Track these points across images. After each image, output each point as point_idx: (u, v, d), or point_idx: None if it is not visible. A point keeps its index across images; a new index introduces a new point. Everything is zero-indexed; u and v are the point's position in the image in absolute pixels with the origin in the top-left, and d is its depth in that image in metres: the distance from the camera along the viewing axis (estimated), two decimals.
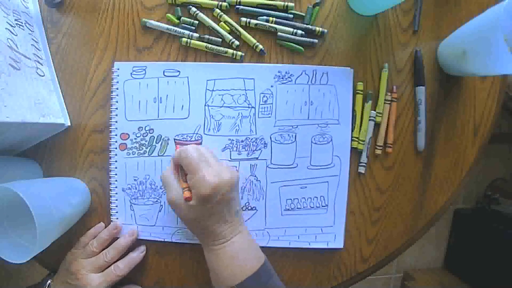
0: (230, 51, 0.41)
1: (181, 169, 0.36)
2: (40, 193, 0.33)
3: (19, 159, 0.41)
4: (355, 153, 0.42)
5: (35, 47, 0.40)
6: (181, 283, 0.43)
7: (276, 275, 0.36)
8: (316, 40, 0.41)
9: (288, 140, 0.41)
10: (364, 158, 0.42)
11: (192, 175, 0.34)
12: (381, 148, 0.42)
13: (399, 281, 1.36)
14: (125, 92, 0.41)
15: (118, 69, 0.41)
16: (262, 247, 0.42)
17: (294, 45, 0.41)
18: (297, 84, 0.41)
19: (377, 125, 0.42)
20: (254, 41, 0.41)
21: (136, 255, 0.41)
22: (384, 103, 0.41)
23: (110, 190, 0.42)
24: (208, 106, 0.41)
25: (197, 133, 0.41)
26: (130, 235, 0.41)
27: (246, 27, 0.41)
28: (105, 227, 0.42)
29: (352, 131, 0.41)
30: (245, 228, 0.37)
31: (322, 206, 0.42)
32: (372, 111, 0.41)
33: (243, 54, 0.41)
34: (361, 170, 0.42)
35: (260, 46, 0.41)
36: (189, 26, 0.41)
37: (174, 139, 0.41)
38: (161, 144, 0.41)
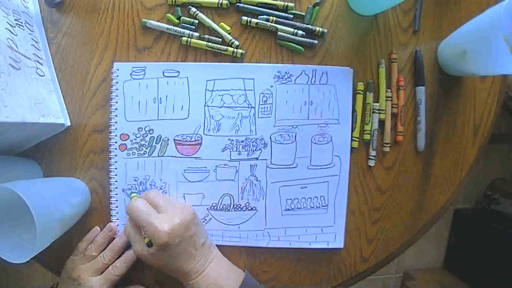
0: (231, 48, 0.41)
1: None
2: (40, 193, 0.33)
3: (19, 159, 0.41)
4: (362, 147, 0.42)
5: (35, 47, 0.40)
6: (181, 283, 0.43)
7: (261, 286, 0.38)
8: (316, 41, 0.41)
9: (288, 140, 0.41)
10: (372, 151, 0.42)
11: (145, 228, 0.34)
12: (388, 145, 0.42)
13: (399, 281, 1.36)
14: (124, 92, 0.41)
15: (118, 69, 0.41)
16: (262, 248, 0.42)
17: (294, 45, 0.41)
18: (296, 84, 0.41)
19: (382, 123, 0.42)
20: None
21: (132, 253, 0.41)
22: (386, 100, 0.41)
23: (110, 190, 0.42)
24: (208, 106, 0.41)
25: (197, 133, 0.41)
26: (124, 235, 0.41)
27: (247, 26, 0.41)
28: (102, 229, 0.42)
29: (353, 131, 0.41)
30: (215, 254, 0.38)
31: (322, 206, 0.42)
32: (375, 103, 0.41)
33: (244, 52, 0.41)
34: (371, 163, 0.42)
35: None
36: (189, 26, 0.41)
37: (174, 139, 0.41)
38: (161, 145, 0.41)
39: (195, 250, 0.36)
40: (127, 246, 0.41)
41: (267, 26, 0.41)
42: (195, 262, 0.36)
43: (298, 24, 0.41)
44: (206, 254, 0.37)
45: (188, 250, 0.35)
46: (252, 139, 0.41)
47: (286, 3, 0.41)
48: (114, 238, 0.41)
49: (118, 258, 0.40)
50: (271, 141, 0.41)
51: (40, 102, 0.37)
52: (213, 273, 0.36)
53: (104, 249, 0.40)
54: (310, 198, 0.42)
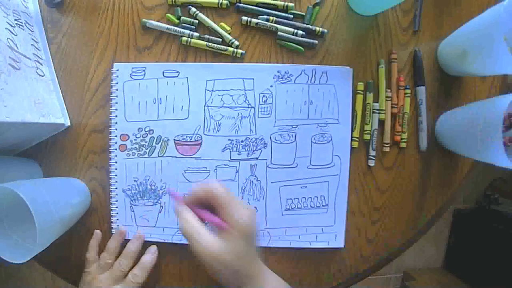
0: (231, 49, 0.41)
1: (201, 209, 0.32)
2: (40, 193, 0.33)
3: (19, 159, 0.41)
4: (362, 147, 0.42)
5: (35, 47, 0.40)
6: (181, 283, 0.43)
7: None
8: (316, 41, 0.41)
9: (288, 140, 0.41)
10: (371, 151, 0.42)
11: (230, 211, 0.29)
12: (388, 145, 0.42)
13: (399, 281, 1.36)
14: (124, 93, 0.41)
15: (118, 70, 0.41)
16: (262, 247, 0.42)
17: (294, 45, 0.41)
18: (296, 83, 0.41)
19: (381, 123, 0.42)
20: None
21: (149, 258, 0.40)
22: (386, 100, 0.41)
23: (110, 191, 0.42)
24: (208, 106, 0.41)
25: (197, 134, 0.41)
26: (137, 239, 0.41)
27: (247, 26, 0.41)
28: (108, 230, 0.42)
29: (353, 131, 0.41)
30: (262, 263, 0.33)
31: (323, 206, 0.42)
32: (375, 103, 0.41)
33: (244, 52, 0.41)
34: (371, 163, 0.42)
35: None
36: (189, 26, 0.41)
37: (174, 139, 0.41)
38: (161, 145, 0.41)
39: (256, 251, 0.32)
40: (141, 252, 0.41)
41: (267, 26, 0.41)
42: (257, 265, 0.31)
43: (298, 24, 0.41)
44: (259, 258, 0.32)
45: (254, 249, 0.31)
46: (252, 139, 0.41)
47: (286, 3, 0.41)
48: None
49: (134, 264, 0.40)
50: (271, 141, 0.41)
51: (40, 102, 0.37)
52: (271, 280, 0.32)
53: (118, 255, 0.40)
54: (310, 197, 0.42)
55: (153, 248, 0.42)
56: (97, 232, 0.42)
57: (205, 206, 0.31)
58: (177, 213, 0.31)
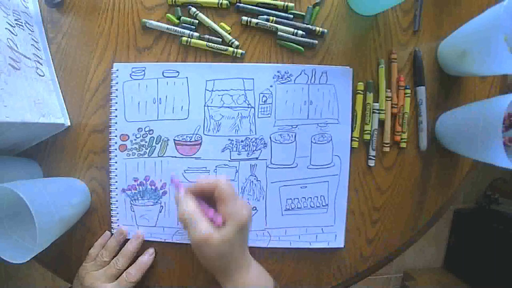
0: (231, 49, 0.41)
1: (200, 201, 0.34)
2: (40, 193, 0.33)
3: (19, 159, 0.41)
4: (362, 147, 0.42)
5: (35, 47, 0.40)
6: (181, 283, 0.43)
7: None
8: (316, 41, 0.41)
9: (288, 140, 0.41)
10: (371, 151, 0.42)
11: (229, 204, 0.32)
12: (388, 145, 0.42)
13: (399, 281, 1.36)
14: (124, 93, 0.41)
15: (117, 70, 0.41)
16: (262, 248, 0.42)
17: (294, 45, 0.41)
18: (296, 83, 0.41)
19: (381, 123, 0.42)
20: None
21: (146, 259, 0.41)
22: (386, 100, 0.41)
23: (110, 191, 0.42)
24: (208, 106, 0.41)
25: (196, 134, 0.41)
26: (136, 239, 0.41)
27: (247, 26, 0.41)
28: (108, 230, 0.42)
29: (353, 131, 0.41)
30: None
31: (323, 206, 0.42)
32: (375, 103, 0.41)
33: (244, 52, 0.41)
34: (371, 163, 0.42)
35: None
36: (189, 26, 0.41)
37: (174, 139, 0.41)
38: (160, 145, 0.41)
39: (246, 244, 0.35)
40: (139, 251, 0.41)
41: (267, 26, 0.41)
42: (245, 255, 0.34)
43: (298, 24, 0.41)
44: (248, 252, 0.35)
45: (245, 243, 0.34)
46: (252, 139, 0.41)
47: (286, 3, 0.41)
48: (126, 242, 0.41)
49: (130, 264, 0.40)
50: (271, 141, 0.41)
51: (40, 102, 0.37)
52: (255, 271, 0.35)
53: (116, 254, 0.40)
54: (310, 197, 0.42)
55: (151, 250, 0.42)
56: (107, 233, 0.42)
57: (205, 198, 0.34)
58: (178, 199, 0.34)
